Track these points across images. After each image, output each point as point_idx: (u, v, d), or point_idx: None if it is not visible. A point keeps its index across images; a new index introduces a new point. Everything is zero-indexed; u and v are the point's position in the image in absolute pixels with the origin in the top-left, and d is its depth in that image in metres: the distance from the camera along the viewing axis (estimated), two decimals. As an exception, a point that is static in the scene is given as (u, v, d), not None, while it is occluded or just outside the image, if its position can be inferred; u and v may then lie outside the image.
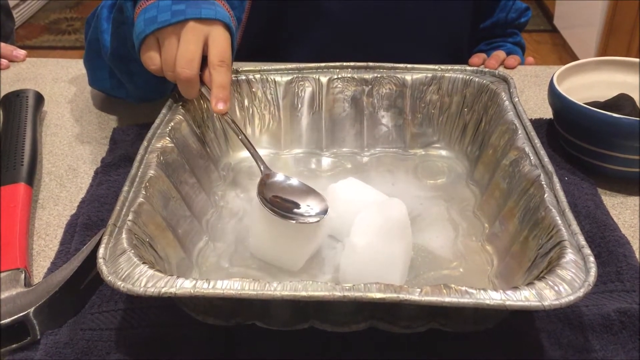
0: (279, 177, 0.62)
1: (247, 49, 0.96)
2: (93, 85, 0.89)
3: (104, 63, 0.79)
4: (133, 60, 0.72)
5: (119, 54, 0.74)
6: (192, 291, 0.45)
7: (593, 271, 0.46)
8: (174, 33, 0.63)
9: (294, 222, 0.57)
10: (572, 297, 0.44)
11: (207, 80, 0.65)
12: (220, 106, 0.64)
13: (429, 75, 0.74)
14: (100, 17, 0.77)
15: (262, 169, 0.63)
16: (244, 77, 0.74)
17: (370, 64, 0.74)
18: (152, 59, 0.65)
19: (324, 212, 0.58)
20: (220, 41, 0.64)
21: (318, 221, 0.57)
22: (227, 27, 0.66)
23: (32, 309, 0.53)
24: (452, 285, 0.44)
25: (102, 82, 0.85)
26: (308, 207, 0.59)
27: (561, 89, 0.73)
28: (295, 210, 0.58)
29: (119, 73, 0.78)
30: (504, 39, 1.09)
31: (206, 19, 0.64)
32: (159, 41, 0.65)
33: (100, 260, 0.48)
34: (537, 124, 0.82)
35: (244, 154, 0.73)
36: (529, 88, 0.94)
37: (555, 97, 0.74)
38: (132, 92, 0.81)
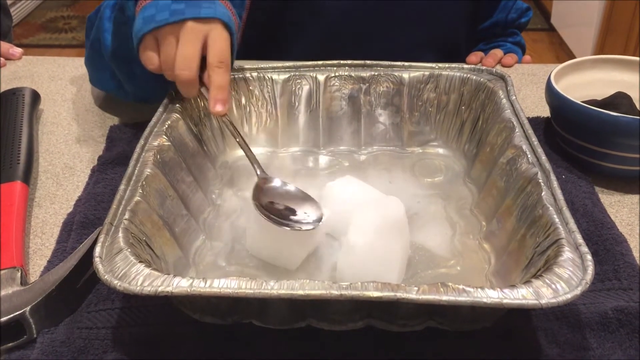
0: (276, 182, 0.62)
1: (245, 47, 0.96)
2: (95, 85, 0.88)
3: (106, 64, 0.79)
4: (134, 61, 0.72)
5: (120, 54, 0.74)
6: (188, 290, 0.44)
7: (590, 269, 0.46)
8: (173, 33, 0.63)
9: (289, 229, 0.56)
10: (569, 296, 0.44)
11: (206, 81, 0.65)
12: (219, 107, 0.64)
13: (427, 73, 0.73)
14: (102, 16, 0.76)
15: (258, 173, 0.63)
16: (241, 75, 0.74)
17: (368, 62, 0.74)
18: (150, 59, 0.65)
19: (319, 219, 0.57)
20: (219, 41, 0.64)
21: (313, 228, 0.57)
22: (227, 26, 0.65)
23: (28, 308, 0.52)
24: (450, 284, 0.44)
25: (104, 83, 0.84)
26: (305, 214, 0.58)
27: (558, 87, 0.73)
28: (292, 217, 0.58)
29: (120, 74, 0.77)
30: (504, 39, 1.09)
31: (205, 18, 0.63)
32: (157, 40, 0.64)
33: (97, 259, 0.48)
34: (535, 122, 0.82)
35: (241, 152, 0.73)
36: (526, 86, 0.94)
37: (552, 96, 0.74)
38: (132, 92, 0.80)
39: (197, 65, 0.63)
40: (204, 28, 0.63)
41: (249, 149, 0.65)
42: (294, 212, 0.58)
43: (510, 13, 1.07)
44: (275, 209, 0.58)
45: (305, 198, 0.60)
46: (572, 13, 2.71)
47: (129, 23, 0.68)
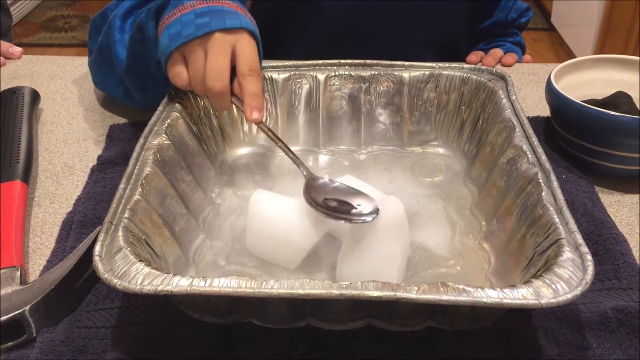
0: (324, 180, 0.61)
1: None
2: (99, 87, 0.88)
3: (113, 70, 0.78)
4: (149, 76, 0.71)
5: (134, 69, 0.74)
6: (188, 289, 0.44)
7: (590, 269, 0.46)
8: (200, 46, 0.62)
9: (350, 222, 0.55)
10: (569, 295, 0.44)
11: (236, 90, 0.64)
12: (255, 115, 0.63)
13: (427, 72, 0.73)
14: (112, 26, 0.75)
15: (305, 173, 0.62)
16: (241, 75, 0.74)
17: (368, 61, 0.74)
18: (179, 75, 0.64)
19: (376, 211, 0.56)
20: (247, 50, 0.63)
21: (372, 220, 0.55)
22: (252, 35, 0.65)
23: (27, 307, 0.52)
24: (450, 284, 0.44)
25: (110, 88, 0.84)
26: (359, 206, 0.57)
27: (559, 86, 0.73)
28: (350, 210, 0.57)
29: (132, 86, 0.77)
30: (504, 39, 1.09)
31: (232, 28, 0.63)
32: (184, 56, 0.64)
33: (97, 258, 0.47)
34: (535, 121, 0.82)
35: (241, 151, 0.73)
36: (527, 86, 0.94)
37: (552, 95, 0.74)
38: (141, 103, 0.80)
39: (228, 75, 0.63)
40: (231, 38, 0.63)
41: (292, 151, 0.64)
42: (351, 206, 0.58)
43: (510, 13, 1.07)
44: (331, 206, 0.58)
45: (356, 193, 0.59)
46: (572, 13, 2.71)
47: (148, 42, 0.68)
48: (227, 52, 0.63)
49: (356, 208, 0.57)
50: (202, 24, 0.62)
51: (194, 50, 0.63)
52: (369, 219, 0.55)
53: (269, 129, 0.65)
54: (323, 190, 0.60)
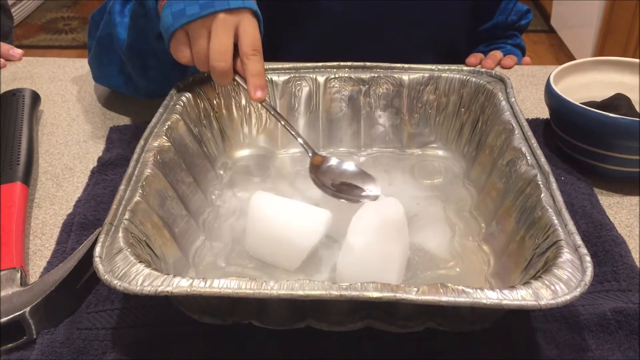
0: (333, 161, 0.63)
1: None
2: (99, 82, 0.88)
3: (113, 59, 0.79)
4: (149, 54, 0.71)
5: (135, 47, 0.74)
6: (188, 290, 0.45)
7: (589, 271, 0.46)
8: (204, 26, 0.63)
9: (358, 201, 0.59)
10: (568, 297, 0.44)
11: (239, 69, 0.65)
12: (259, 94, 0.64)
13: (426, 75, 0.74)
14: (112, 11, 0.76)
15: (309, 153, 0.64)
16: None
17: (368, 63, 0.74)
18: (183, 53, 0.65)
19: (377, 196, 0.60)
20: (250, 30, 0.64)
21: (376, 198, 0.60)
22: (255, 15, 0.66)
23: (28, 308, 0.52)
24: (449, 285, 0.44)
25: (111, 78, 0.84)
26: (368, 190, 0.61)
27: (558, 89, 0.74)
28: (357, 192, 0.60)
29: (133, 67, 0.77)
30: (504, 41, 1.09)
31: (235, 9, 0.63)
32: (188, 34, 0.64)
33: (97, 259, 0.48)
34: (534, 124, 0.83)
35: (241, 153, 0.73)
36: (526, 88, 0.94)
37: (551, 97, 0.74)
38: (144, 87, 0.80)
39: (231, 56, 0.64)
40: (234, 19, 0.64)
41: (296, 130, 0.66)
42: (359, 189, 0.60)
43: (510, 15, 1.07)
44: (338, 186, 0.60)
45: (362, 174, 0.63)
46: (572, 15, 2.71)
47: (149, 16, 0.69)
48: (231, 32, 0.63)
49: (365, 190, 0.58)
50: (206, 3, 0.63)
51: (197, 30, 0.63)
52: (374, 197, 0.59)
53: (273, 108, 0.66)
54: (333, 172, 0.62)
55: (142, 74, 0.77)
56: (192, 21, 0.63)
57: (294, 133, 0.65)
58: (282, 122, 0.65)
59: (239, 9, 0.64)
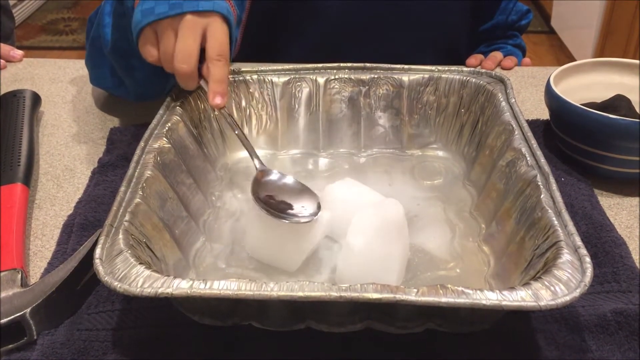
0: (274, 175, 0.62)
1: (246, 48, 0.96)
2: (95, 84, 0.88)
3: (105, 61, 0.79)
4: (134, 55, 0.72)
5: (119, 47, 0.74)
6: (188, 291, 0.45)
7: (589, 271, 0.46)
8: (171, 26, 0.63)
9: (287, 222, 0.57)
10: (568, 298, 0.44)
11: (205, 74, 0.65)
12: (218, 100, 0.64)
13: (426, 76, 0.74)
14: (102, 12, 0.76)
15: (257, 166, 0.63)
16: (241, 78, 0.74)
17: (368, 64, 0.75)
18: (149, 51, 0.65)
19: (316, 213, 0.58)
20: (218, 35, 0.64)
21: (309, 221, 0.57)
22: (226, 19, 0.65)
23: (28, 310, 0.52)
24: (449, 286, 0.44)
25: (103, 80, 0.84)
26: (302, 207, 0.59)
27: (558, 89, 0.74)
28: (289, 210, 0.58)
29: (119, 68, 0.77)
30: (504, 41, 1.09)
31: (204, 11, 0.63)
32: (157, 33, 0.64)
33: (97, 261, 0.48)
34: (534, 124, 0.83)
35: (241, 154, 0.73)
36: (526, 89, 0.94)
37: (551, 98, 0.74)
38: (132, 89, 0.80)
39: (196, 59, 0.63)
40: (202, 21, 0.63)
41: (248, 141, 0.65)
42: (291, 206, 0.59)
43: (510, 15, 1.07)
44: (274, 203, 0.59)
45: (302, 190, 0.61)
46: (572, 15, 2.71)
47: (128, 13, 0.68)
48: (197, 35, 0.63)
49: (297, 208, 0.58)
50: (175, 3, 0.62)
51: (165, 30, 0.63)
52: (306, 220, 0.57)
53: (230, 115, 0.66)
54: (270, 186, 0.61)
55: (128, 75, 0.77)
56: (159, 20, 0.63)
57: (247, 146, 0.65)
58: (236, 132, 0.65)
59: (208, 11, 0.63)
